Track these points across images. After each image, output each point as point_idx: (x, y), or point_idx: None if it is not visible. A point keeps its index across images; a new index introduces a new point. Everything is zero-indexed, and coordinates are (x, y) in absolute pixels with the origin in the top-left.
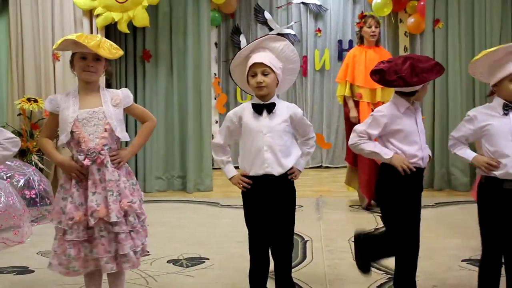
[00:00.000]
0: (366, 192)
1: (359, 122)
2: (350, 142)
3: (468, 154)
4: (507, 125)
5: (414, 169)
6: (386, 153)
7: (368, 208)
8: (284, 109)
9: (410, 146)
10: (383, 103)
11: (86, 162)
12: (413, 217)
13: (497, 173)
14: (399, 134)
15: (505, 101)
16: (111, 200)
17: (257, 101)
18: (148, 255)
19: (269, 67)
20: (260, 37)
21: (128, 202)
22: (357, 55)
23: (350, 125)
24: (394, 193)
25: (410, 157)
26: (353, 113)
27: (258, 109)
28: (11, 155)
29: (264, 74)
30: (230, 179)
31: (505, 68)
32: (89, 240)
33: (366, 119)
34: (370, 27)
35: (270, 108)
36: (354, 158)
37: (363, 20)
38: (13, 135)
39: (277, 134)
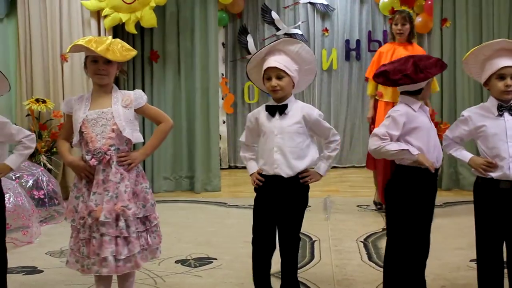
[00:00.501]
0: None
1: (373, 123)
2: (371, 147)
3: (464, 155)
4: (502, 126)
5: (437, 167)
6: (414, 150)
7: None
8: (298, 110)
9: (428, 144)
10: None
11: (92, 162)
12: (426, 220)
13: (493, 174)
14: (416, 132)
15: (499, 102)
16: (105, 200)
17: (272, 102)
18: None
19: (283, 70)
20: (276, 40)
21: (122, 206)
22: (384, 52)
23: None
24: (409, 195)
25: (428, 155)
26: (369, 113)
27: (271, 111)
28: (31, 152)
29: (279, 77)
30: (250, 175)
31: (492, 65)
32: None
33: (384, 121)
34: (396, 24)
35: (282, 109)
36: (375, 164)
37: (392, 16)
38: (29, 132)
39: (288, 135)
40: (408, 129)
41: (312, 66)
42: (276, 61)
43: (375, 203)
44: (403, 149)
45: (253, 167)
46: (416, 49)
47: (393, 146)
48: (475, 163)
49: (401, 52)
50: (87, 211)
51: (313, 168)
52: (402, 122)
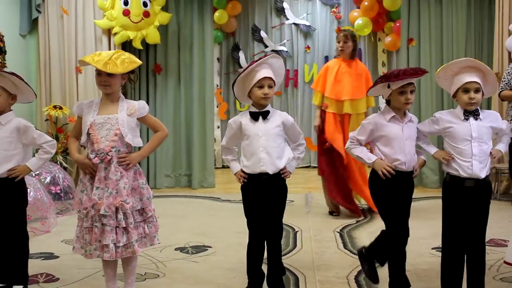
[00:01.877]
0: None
1: (319, 131)
2: (345, 146)
3: (430, 149)
4: (467, 128)
5: (394, 173)
6: (369, 158)
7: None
8: (277, 116)
9: (393, 150)
10: (350, 115)
11: (95, 160)
12: (397, 215)
13: (461, 172)
14: (384, 140)
15: (464, 109)
16: (105, 195)
17: (254, 109)
18: (158, 243)
19: (273, 81)
20: (266, 55)
21: (120, 201)
22: (331, 67)
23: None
24: (380, 194)
25: (392, 161)
26: (315, 122)
27: (254, 116)
28: (50, 156)
29: (270, 86)
30: (234, 174)
31: (458, 80)
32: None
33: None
34: (339, 42)
35: (265, 115)
36: (323, 171)
37: (337, 35)
38: (50, 138)
39: (271, 137)
40: (377, 136)
41: (280, 80)
42: (268, 72)
43: (330, 213)
44: (360, 156)
45: (236, 167)
46: (359, 66)
47: (356, 151)
48: (438, 155)
49: (345, 69)
50: (91, 203)
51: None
52: (369, 129)
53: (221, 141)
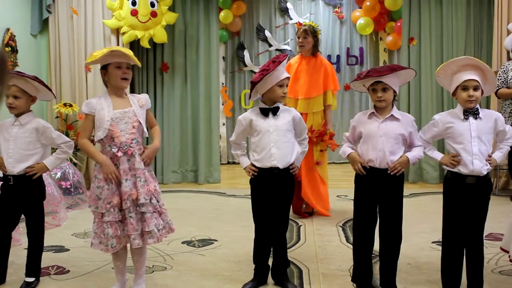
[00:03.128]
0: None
1: None
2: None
3: (436, 155)
4: (467, 128)
5: (363, 172)
6: (344, 152)
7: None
8: (286, 112)
9: (366, 147)
10: (306, 114)
11: (119, 153)
12: (364, 212)
13: (462, 169)
14: (362, 136)
15: (464, 108)
16: (140, 185)
17: (263, 105)
18: (166, 236)
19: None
20: (281, 55)
21: (154, 187)
22: (292, 65)
23: None
24: (355, 190)
25: (364, 157)
26: None
27: (265, 112)
28: (67, 156)
29: (287, 85)
30: (244, 168)
31: (458, 78)
32: (122, 220)
33: None
34: (299, 37)
35: (275, 111)
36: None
37: (297, 31)
38: (68, 139)
39: (282, 132)
40: (358, 132)
41: None
42: (287, 73)
43: (307, 213)
44: (341, 150)
45: (245, 161)
46: (319, 62)
47: (342, 147)
48: (445, 160)
49: (305, 66)
50: (126, 196)
51: None
52: (352, 126)
53: (226, 138)
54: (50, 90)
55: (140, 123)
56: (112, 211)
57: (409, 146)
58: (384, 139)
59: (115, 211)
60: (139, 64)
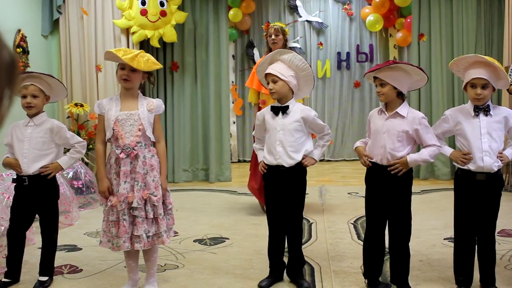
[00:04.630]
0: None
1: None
2: None
3: (446, 150)
4: (477, 124)
5: (369, 164)
6: (355, 145)
7: None
8: (298, 111)
9: (372, 143)
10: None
11: (122, 155)
12: (370, 207)
13: (471, 167)
14: (371, 132)
15: (475, 104)
16: (136, 189)
17: (276, 104)
18: (177, 235)
19: (276, 76)
20: (272, 52)
21: (148, 193)
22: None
23: None
24: (366, 186)
25: (370, 152)
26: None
27: (275, 110)
28: (81, 156)
29: (274, 82)
30: (259, 162)
31: (467, 75)
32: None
33: None
34: (270, 36)
35: (284, 109)
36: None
37: (266, 31)
38: (81, 139)
39: (289, 132)
40: (369, 128)
41: (307, 72)
42: (272, 68)
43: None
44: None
45: (260, 156)
46: None
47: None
48: (455, 156)
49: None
50: (121, 198)
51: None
52: (367, 121)
53: (236, 136)
54: (63, 84)
55: (144, 127)
56: (113, 211)
57: (422, 145)
58: (386, 136)
59: (114, 211)
60: (143, 68)
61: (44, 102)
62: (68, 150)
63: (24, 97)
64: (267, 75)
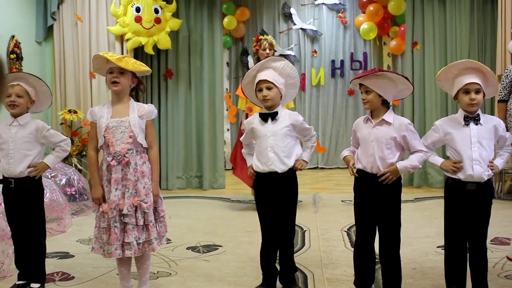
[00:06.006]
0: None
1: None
2: None
3: (436, 160)
4: (467, 133)
5: (355, 174)
6: (343, 154)
7: None
8: (286, 116)
9: (361, 152)
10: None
11: (113, 163)
12: (359, 215)
13: (461, 176)
14: (358, 140)
15: (465, 113)
16: (126, 196)
17: (264, 111)
18: (170, 242)
19: (272, 82)
20: (264, 59)
21: (139, 200)
22: None
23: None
24: (354, 195)
25: (357, 160)
26: (241, 126)
27: (264, 117)
28: (66, 154)
29: (268, 88)
30: (248, 167)
31: (459, 82)
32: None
33: None
34: (264, 49)
35: (274, 116)
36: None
37: (259, 43)
38: (65, 137)
39: (279, 137)
40: (356, 137)
41: (295, 81)
42: (265, 75)
43: None
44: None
45: (249, 161)
46: None
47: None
48: (446, 166)
49: None
50: (113, 205)
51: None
52: (353, 130)
53: (230, 144)
54: (49, 89)
55: (135, 133)
56: (104, 218)
57: (409, 151)
58: (375, 144)
59: (105, 218)
60: (130, 68)
61: (28, 104)
62: (52, 149)
63: (8, 96)
64: (261, 81)
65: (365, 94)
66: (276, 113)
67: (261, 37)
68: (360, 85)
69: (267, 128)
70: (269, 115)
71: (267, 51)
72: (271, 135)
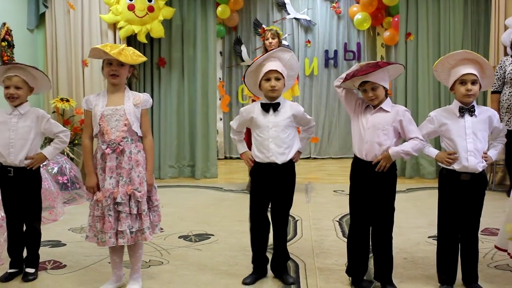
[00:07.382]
0: None
1: None
2: None
3: (431, 152)
4: (462, 125)
5: (364, 159)
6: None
7: None
8: (288, 107)
9: (355, 139)
10: None
11: (108, 150)
12: (354, 204)
13: (456, 166)
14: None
15: (461, 104)
16: (120, 184)
17: (265, 101)
18: (162, 231)
19: (281, 73)
20: (273, 49)
21: (132, 189)
22: None
23: None
24: (350, 183)
25: (357, 148)
26: None
27: (266, 108)
28: (65, 146)
29: (277, 79)
30: (240, 154)
31: (456, 72)
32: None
33: None
34: (267, 39)
35: (276, 106)
36: None
37: (263, 35)
38: (64, 128)
39: (281, 128)
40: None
41: (294, 73)
42: (275, 65)
43: None
44: None
45: (243, 147)
46: None
47: None
48: (440, 157)
49: None
50: (107, 193)
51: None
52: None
53: (223, 133)
54: (47, 76)
55: (130, 122)
56: (98, 206)
57: (405, 138)
58: (371, 131)
59: (99, 206)
60: (130, 62)
61: (28, 93)
62: (51, 139)
63: (7, 87)
64: (271, 71)
65: (372, 92)
66: (279, 104)
67: (266, 28)
68: (362, 84)
69: (269, 119)
70: (271, 106)
71: (270, 40)
72: (273, 126)
